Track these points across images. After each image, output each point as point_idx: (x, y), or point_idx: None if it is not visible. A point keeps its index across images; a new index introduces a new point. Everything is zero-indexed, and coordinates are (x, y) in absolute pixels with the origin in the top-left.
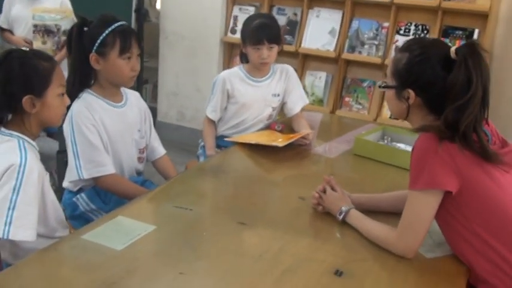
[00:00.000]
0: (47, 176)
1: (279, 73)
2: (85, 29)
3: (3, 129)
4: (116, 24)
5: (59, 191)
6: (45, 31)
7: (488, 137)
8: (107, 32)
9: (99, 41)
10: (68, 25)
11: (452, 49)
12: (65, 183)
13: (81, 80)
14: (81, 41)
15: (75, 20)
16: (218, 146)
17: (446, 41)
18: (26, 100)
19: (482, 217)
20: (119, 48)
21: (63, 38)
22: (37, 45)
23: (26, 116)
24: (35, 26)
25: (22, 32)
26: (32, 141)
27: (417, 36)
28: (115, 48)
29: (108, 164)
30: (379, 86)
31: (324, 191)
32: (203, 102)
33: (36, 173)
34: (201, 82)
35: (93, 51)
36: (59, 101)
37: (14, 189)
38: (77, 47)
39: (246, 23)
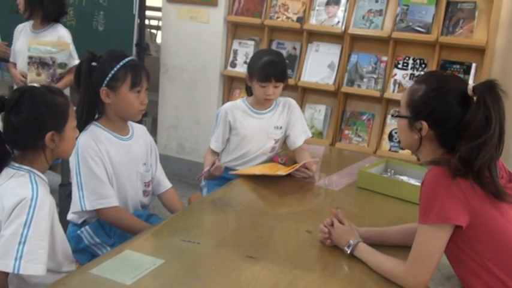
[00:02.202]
0: (56, 210)
1: (282, 106)
2: (93, 63)
3: (13, 163)
4: (127, 59)
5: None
6: (40, 63)
7: (497, 171)
8: (118, 66)
9: (110, 75)
10: (63, 58)
11: (470, 86)
12: (69, 216)
13: (89, 113)
14: (90, 75)
15: (73, 53)
16: (222, 178)
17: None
18: (48, 137)
19: (492, 252)
20: (130, 83)
21: (59, 70)
22: (31, 77)
23: (42, 151)
24: (30, 57)
25: (21, 64)
26: (42, 175)
27: (416, 70)
28: (126, 82)
29: (111, 196)
30: (392, 115)
31: (332, 224)
32: (203, 134)
33: (47, 207)
34: (201, 115)
35: (104, 85)
36: (74, 133)
37: (25, 223)
38: (86, 81)
39: (255, 58)
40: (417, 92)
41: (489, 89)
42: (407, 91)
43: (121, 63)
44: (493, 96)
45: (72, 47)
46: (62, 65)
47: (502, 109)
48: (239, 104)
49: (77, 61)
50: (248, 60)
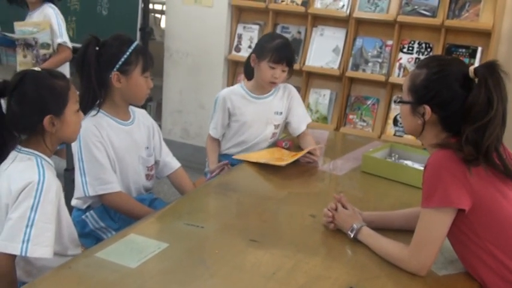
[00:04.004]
0: (63, 194)
1: (282, 91)
2: (96, 48)
3: (19, 147)
4: (136, 43)
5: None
6: (25, 45)
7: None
8: (130, 50)
9: (123, 60)
10: (45, 38)
11: (471, 68)
12: (73, 201)
13: (94, 98)
14: (98, 59)
15: (57, 32)
16: None
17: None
18: (47, 120)
19: (494, 235)
20: (142, 67)
21: (42, 51)
22: (19, 59)
23: (44, 135)
24: (17, 40)
25: None
26: (48, 159)
27: (422, 54)
28: (138, 67)
29: (113, 181)
30: (395, 101)
31: (335, 209)
32: (207, 119)
33: (54, 190)
34: (205, 99)
35: (116, 69)
36: (76, 117)
37: (33, 207)
38: (93, 66)
39: (266, 39)
40: (419, 76)
41: (490, 70)
42: (409, 76)
43: (132, 47)
44: (495, 77)
45: (56, 26)
46: (44, 45)
47: (504, 90)
48: (237, 89)
49: (59, 39)
50: (252, 45)
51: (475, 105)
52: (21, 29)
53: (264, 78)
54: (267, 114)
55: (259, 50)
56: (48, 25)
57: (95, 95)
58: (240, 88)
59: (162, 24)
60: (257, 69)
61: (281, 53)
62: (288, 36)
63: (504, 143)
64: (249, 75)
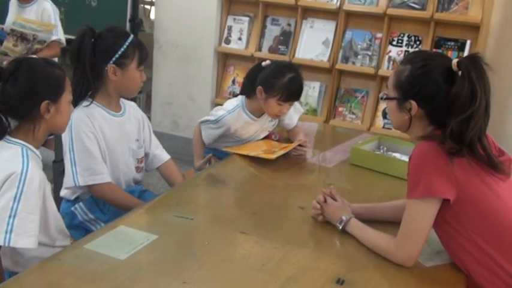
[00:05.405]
0: (49, 185)
1: None
2: (92, 40)
3: (8, 137)
4: (132, 36)
5: (55, 200)
6: (21, 37)
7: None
8: (127, 43)
9: (120, 53)
10: (46, 37)
11: (454, 61)
12: (62, 192)
13: (87, 89)
14: (93, 51)
15: (55, 30)
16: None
17: (439, 51)
18: (43, 105)
19: (479, 225)
20: (138, 60)
21: (37, 46)
22: (7, 45)
23: (36, 122)
24: (12, 30)
25: None
26: (35, 150)
27: (411, 47)
28: (134, 60)
29: (104, 172)
30: (381, 98)
31: (324, 201)
32: (197, 111)
33: (37, 181)
34: (195, 92)
35: (112, 62)
36: (69, 108)
37: (15, 197)
38: (88, 58)
39: (275, 74)
40: (403, 72)
41: (473, 62)
42: (394, 73)
43: (129, 41)
44: (477, 69)
45: (54, 23)
46: (41, 42)
47: (487, 81)
48: (241, 115)
49: (55, 37)
50: (243, 37)
51: (458, 98)
52: (22, 23)
53: (271, 112)
54: (264, 126)
55: (268, 86)
56: (53, 28)
57: (88, 86)
58: (243, 113)
59: (152, 16)
60: (264, 103)
61: (292, 91)
62: (277, 28)
63: (492, 137)
64: (247, 93)
